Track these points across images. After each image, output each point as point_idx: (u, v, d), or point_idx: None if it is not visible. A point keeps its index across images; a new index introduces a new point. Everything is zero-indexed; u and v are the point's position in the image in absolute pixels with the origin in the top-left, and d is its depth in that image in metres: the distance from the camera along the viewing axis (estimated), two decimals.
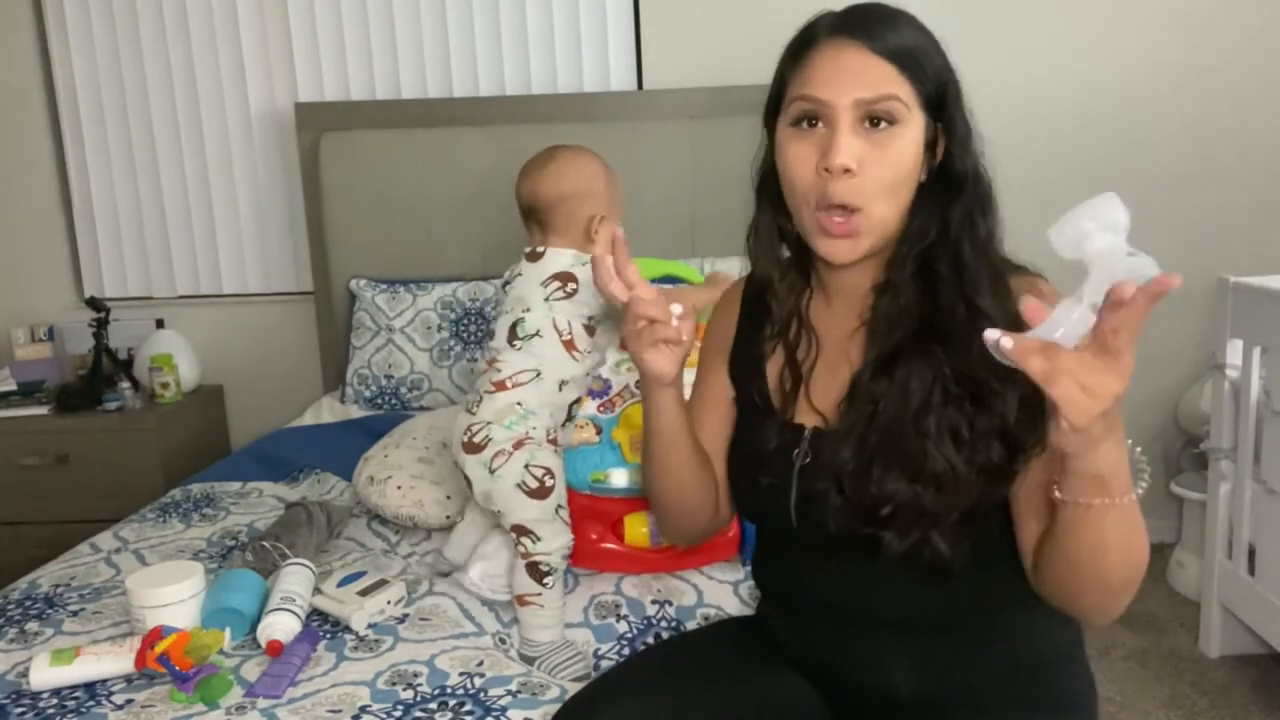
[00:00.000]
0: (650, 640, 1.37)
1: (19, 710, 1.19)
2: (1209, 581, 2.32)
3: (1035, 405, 0.95)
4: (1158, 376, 2.89)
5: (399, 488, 1.73)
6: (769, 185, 1.13)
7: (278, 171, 2.90)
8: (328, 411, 2.57)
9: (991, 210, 1.08)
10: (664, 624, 1.40)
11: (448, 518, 1.73)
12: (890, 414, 1.02)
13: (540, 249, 1.49)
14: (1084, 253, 0.84)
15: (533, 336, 1.45)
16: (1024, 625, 1.07)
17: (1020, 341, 0.79)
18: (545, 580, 1.37)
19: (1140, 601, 2.59)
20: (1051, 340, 0.79)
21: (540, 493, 1.39)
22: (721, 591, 1.46)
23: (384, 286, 2.68)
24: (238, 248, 2.94)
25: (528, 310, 1.46)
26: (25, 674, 1.26)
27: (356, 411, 2.54)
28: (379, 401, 2.56)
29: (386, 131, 2.76)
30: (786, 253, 1.16)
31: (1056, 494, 0.90)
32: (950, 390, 1.00)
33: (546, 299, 1.46)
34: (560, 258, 1.48)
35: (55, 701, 1.20)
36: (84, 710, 1.18)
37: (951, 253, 1.05)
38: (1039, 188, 2.81)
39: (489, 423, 1.41)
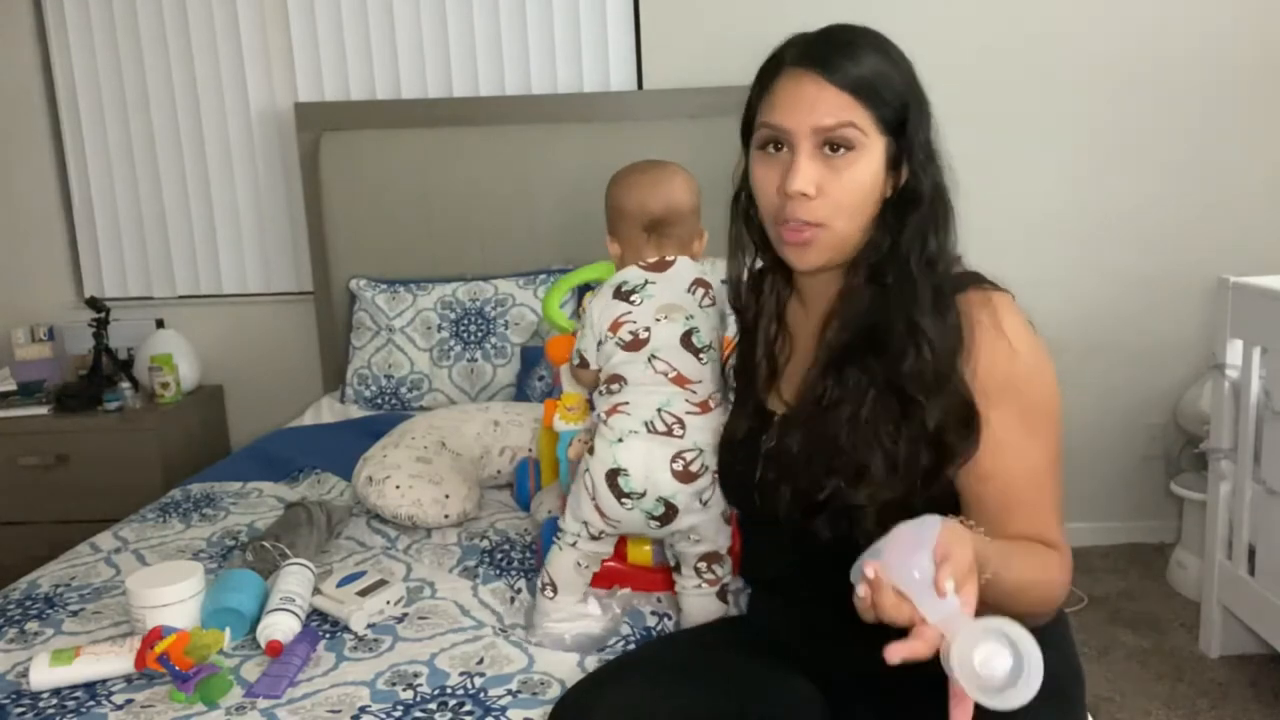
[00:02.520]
0: None
1: (19, 710, 1.19)
2: (1209, 581, 2.32)
3: (966, 417, 1.05)
4: (1158, 376, 2.89)
5: (397, 487, 1.73)
6: (740, 196, 1.22)
7: (278, 171, 2.90)
8: (328, 411, 2.57)
9: (945, 228, 1.13)
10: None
11: (446, 517, 1.73)
12: (829, 411, 1.10)
13: (670, 258, 1.42)
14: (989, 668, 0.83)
15: (708, 348, 1.35)
16: (1007, 613, 1.09)
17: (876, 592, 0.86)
18: (728, 598, 1.37)
19: (1140, 601, 2.60)
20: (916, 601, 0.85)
21: (731, 518, 1.37)
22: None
23: (384, 286, 2.68)
24: (238, 248, 2.95)
25: (691, 317, 1.36)
26: (25, 674, 1.26)
27: (356, 411, 2.54)
28: (379, 401, 2.56)
29: (386, 131, 2.76)
30: (758, 261, 1.25)
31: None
32: (882, 397, 1.08)
33: (701, 306, 1.38)
34: (691, 266, 1.42)
35: (55, 701, 1.20)
36: (84, 710, 1.18)
37: (898, 267, 1.10)
38: (1038, 188, 2.84)
39: (702, 450, 1.30)
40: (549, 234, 2.73)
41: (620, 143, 2.63)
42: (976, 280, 1.12)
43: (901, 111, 1.09)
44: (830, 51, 1.08)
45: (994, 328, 1.07)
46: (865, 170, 1.08)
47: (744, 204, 1.21)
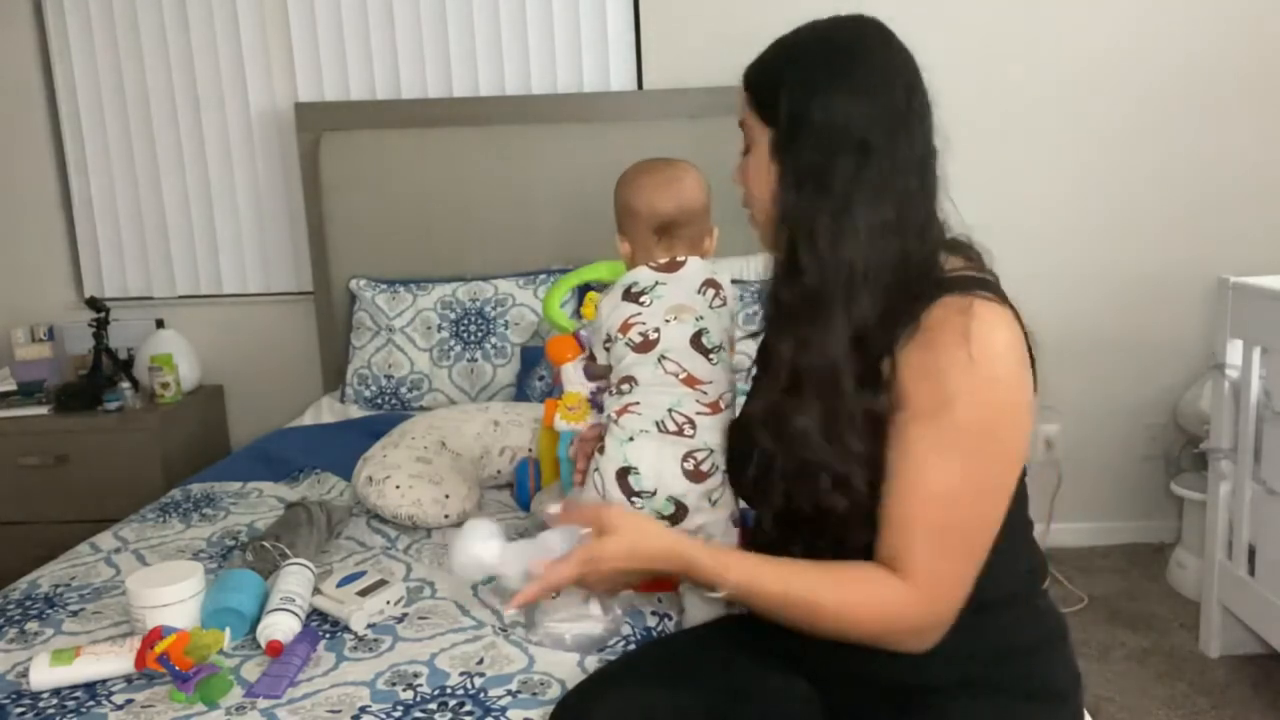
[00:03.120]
0: None
1: (19, 710, 1.19)
2: (1209, 581, 2.32)
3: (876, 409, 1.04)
4: (1158, 376, 2.89)
5: (397, 487, 1.73)
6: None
7: (278, 171, 2.90)
8: (328, 411, 2.57)
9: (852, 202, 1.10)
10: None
11: (446, 517, 1.73)
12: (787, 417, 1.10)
13: (681, 259, 1.41)
14: (485, 564, 1.22)
15: (718, 349, 1.34)
16: (1004, 616, 1.10)
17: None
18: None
19: (1140, 601, 2.60)
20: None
21: (736, 518, 1.36)
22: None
23: (384, 286, 2.68)
24: (238, 248, 2.95)
25: (701, 319, 1.34)
26: (25, 674, 1.26)
27: (356, 411, 2.54)
28: (379, 401, 2.56)
29: (386, 131, 2.76)
30: None
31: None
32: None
33: (711, 307, 1.36)
34: (702, 266, 1.41)
35: (55, 701, 1.20)
36: (84, 710, 1.18)
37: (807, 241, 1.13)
38: (1038, 188, 2.83)
39: (712, 450, 1.29)
40: (549, 234, 2.73)
41: (620, 143, 2.63)
42: (977, 285, 1.05)
43: (774, 95, 1.09)
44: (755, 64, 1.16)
45: (958, 333, 0.99)
46: (758, 163, 1.13)
47: None
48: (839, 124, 1.04)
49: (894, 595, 1.02)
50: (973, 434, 1.00)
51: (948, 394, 1.00)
